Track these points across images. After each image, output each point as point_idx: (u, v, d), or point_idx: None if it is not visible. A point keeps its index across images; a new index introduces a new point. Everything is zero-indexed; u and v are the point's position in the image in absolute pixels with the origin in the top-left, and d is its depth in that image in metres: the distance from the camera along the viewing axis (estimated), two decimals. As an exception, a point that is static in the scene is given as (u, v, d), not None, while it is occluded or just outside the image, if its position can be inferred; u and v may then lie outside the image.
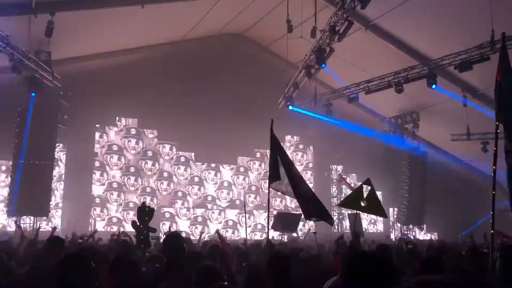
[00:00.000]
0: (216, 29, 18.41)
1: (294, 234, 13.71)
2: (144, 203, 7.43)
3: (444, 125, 18.84)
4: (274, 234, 13.14)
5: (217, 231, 7.89)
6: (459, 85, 15.87)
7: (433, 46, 15.03)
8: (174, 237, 4.07)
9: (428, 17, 13.80)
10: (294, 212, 15.14)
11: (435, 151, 21.42)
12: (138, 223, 6.70)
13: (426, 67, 14.83)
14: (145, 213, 6.81)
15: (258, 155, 20.62)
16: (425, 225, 20.93)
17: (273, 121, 6.63)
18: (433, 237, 20.17)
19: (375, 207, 6.94)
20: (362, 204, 6.75)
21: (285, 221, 11.70)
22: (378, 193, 22.04)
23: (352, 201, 6.58)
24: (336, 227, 20.21)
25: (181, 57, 17.49)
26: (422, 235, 21.06)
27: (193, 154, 19.18)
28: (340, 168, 21.52)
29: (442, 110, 17.86)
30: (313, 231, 7.64)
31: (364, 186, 7.02)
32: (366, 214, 19.56)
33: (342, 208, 17.84)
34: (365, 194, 6.87)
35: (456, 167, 21.93)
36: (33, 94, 13.58)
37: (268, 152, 20.31)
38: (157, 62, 17.16)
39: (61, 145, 16.29)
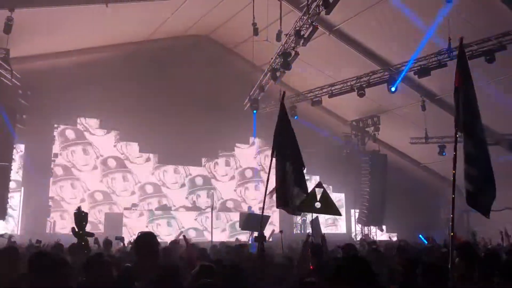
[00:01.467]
0: (182, 30, 18.30)
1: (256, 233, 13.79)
2: (79, 207, 7.28)
3: (403, 129, 19.43)
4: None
5: (181, 233, 7.92)
6: (418, 90, 16.42)
7: (394, 52, 15.51)
8: (147, 236, 4.05)
9: (389, 23, 14.23)
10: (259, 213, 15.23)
11: (395, 154, 22.05)
12: (76, 229, 6.56)
13: (387, 72, 15.30)
14: (81, 217, 6.68)
15: (222, 157, 20.63)
16: (384, 226, 21.51)
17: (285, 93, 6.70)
18: (392, 238, 20.72)
19: (329, 207, 7.13)
20: (317, 206, 6.93)
21: (252, 221, 11.78)
22: (340, 195, 22.70)
23: (306, 204, 6.73)
24: (298, 229, 20.49)
25: (145, 57, 17.29)
26: (382, 236, 21.60)
27: (156, 155, 18.96)
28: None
29: (401, 114, 18.44)
30: (281, 230, 7.74)
31: (317, 189, 7.22)
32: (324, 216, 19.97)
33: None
34: (318, 197, 7.05)
35: (415, 170, 22.67)
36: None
37: (233, 153, 20.59)
38: (121, 61, 16.86)
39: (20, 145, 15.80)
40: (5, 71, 13.61)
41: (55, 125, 17.26)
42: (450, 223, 4.13)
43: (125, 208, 17.99)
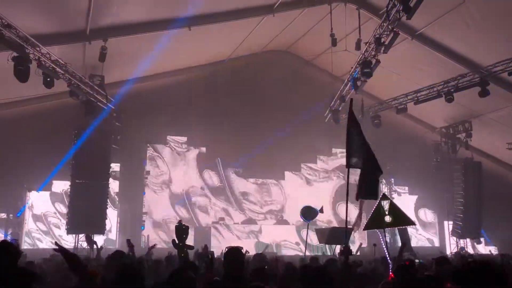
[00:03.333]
0: (260, 47, 18.69)
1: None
2: (180, 221, 7.57)
3: (499, 134, 18.10)
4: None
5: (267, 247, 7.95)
6: (513, 92, 15.26)
7: (483, 53, 14.57)
8: (233, 251, 4.15)
9: (476, 23, 13.40)
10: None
11: (490, 161, 20.56)
12: (177, 241, 6.83)
13: (477, 75, 14.38)
14: (182, 231, 6.94)
15: (304, 169, 20.56)
16: (483, 239, 20.01)
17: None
18: (492, 251, 19.22)
19: (401, 218, 6.78)
20: (387, 220, 6.61)
21: (336, 235, 11.63)
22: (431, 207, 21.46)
23: (374, 221, 6.44)
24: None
25: (226, 76, 17.91)
26: (481, 249, 20.12)
27: (241, 169, 19.36)
28: (391, 180, 21.00)
29: (496, 118, 17.20)
30: (374, 243, 7.47)
31: (383, 201, 6.89)
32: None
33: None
34: (386, 210, 6.73)
35: (514, 177, 20.94)
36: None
37: (315, 165, 20.43)
38: (204, 81, 17.71)
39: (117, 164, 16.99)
40: (101, 96, 14.75)
41: (147, 144, 18.34)
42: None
43: (213, 222, 18.52)
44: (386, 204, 6.86)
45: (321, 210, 15.22)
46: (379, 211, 6.74)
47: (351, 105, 5.80)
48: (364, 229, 7.40)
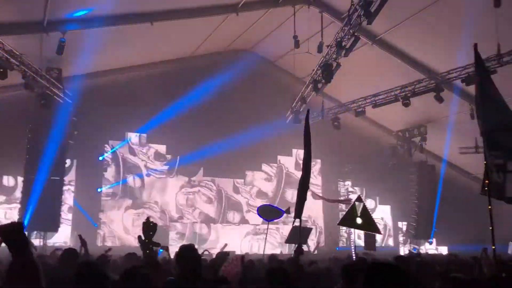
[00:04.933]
0: (224, 45, 18.65)
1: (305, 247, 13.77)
2: (149, 217, 7.46)
3: (452, 138, 18.79)
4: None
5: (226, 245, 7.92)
6: (466, 98, 15.88)
7: (439, 60, 15.12)
8: (188, 249, 4.04)
9: (434, 31, 13.91)
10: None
11: (443, 164, 21.33)
12: (143, 238, 6.73)
13: (433, 81, 14.90)
14: (149, 227, 6.85)
15: (265, 169, 20.67)
16: (435, 239, 20.75)
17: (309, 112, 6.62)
18: (443, 251, 19.96)
19: (369, 224, 6.98)
20: (358, 221, 6.79)
21: (296, 234, 11.76)
22: (387, 207, 22.21)
23: (348, 219, 6.60)
24: (345, 242, 20.13)
25: (189, 73, 17.73)
26: (434, 249, 20.85)
27: (201, 168, 19.23)
28: (348, 182, 21.45)
29: (450, 123, 17.86)
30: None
31: (357, 203, 7.08)
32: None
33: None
34: (358, 212, 6.91)
35: (466, 180, 21.80)
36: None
37: (275, 166, 20.59)
38: (166, 77, 17.42)
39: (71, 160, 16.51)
40: (58, 89, 14.30)
41: (105, 141, 17.89)
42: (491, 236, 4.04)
43: (171, 221, 18.32)
44: (359, 206, 7.02)
45: (288, 211, 15.32)
46: (352, 211, 6.88)
47: (307, 116, 6.02)
48: (338, 224, 7.54)
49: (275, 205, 15.87)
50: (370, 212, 7.42)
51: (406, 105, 15.34)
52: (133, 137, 18.45)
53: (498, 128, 4.65)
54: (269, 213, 13.37)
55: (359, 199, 7.27)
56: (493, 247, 4.19)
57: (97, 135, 17.02)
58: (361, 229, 7.69)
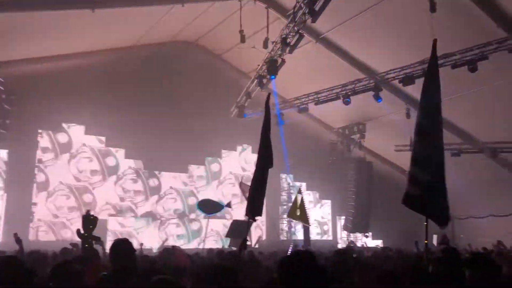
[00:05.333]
0: (169, 36, 18.32)
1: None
2: (88, 211, 7.26)
3: (388, 136, 19.61)
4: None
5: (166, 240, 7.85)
6: (403, 98, 16.60)
7: (379, 60, 15.71)
8: (122, 243, 3.85)
9: (375, 32, 14.41)
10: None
11: (380, 161, 22.23)
12: (82, 231, 6.55)
13: (372, 81, 15.46)
14: (89, 221, 6.66)
15: (209, 163, 20.58)
16: (371, 233, 21.62)
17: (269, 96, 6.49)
18: (379, 244, 20.83)
19: (304, 216, 7.17)
20: (297, 213, 6.97)
21: (237, 228, 11.82)
22: (327, 202, 22.80)
23: (292, 212, 6.76)
24: (286, 235, 20.48)
25: (132, 63, 17.25)
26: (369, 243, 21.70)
27: (141, 162, 18.81)
28: (290, 176, 21.82)
29: (386, 121, 18.63)
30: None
31: (298, 195, 7.27)
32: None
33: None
34: (298, 204, 7.10)
35: (400, 177, 22.82)
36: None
37: (219, 159, 20.55)
38: (107, 67, 16.80)
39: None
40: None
41: (39, 131, 17.03)
42: (425, 231, 4.26)
43: (110, 215, 17.81)
44: (299, 198, 7.16)
45: (229, 205, 15.37)
46: (295, 202, 7.00)
47: (268, 101, 5.93)
48: (287, 216, 7.62)
49: (215, 200, 15.87)
50: (306, 205, 7.60)
51: (346, 103, 15.82)
52: (70, 127, 17.70)
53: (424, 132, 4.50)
54: (209, 207, 13.39)
55: (299, 191, 7.44)
56: (426, 242, 4.42)
57: (31, 125, 16.20)
58: (299, 221, 7.88)
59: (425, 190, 4.26)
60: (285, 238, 20.01)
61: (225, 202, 15.92)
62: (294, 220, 8.55)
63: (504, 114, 15.59)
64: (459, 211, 20.35)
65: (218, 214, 16.96)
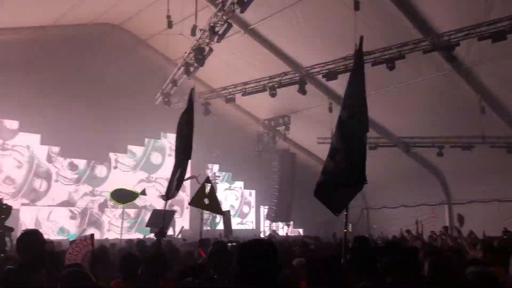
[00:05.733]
0: (92, 17, 17.40)
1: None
2: (1, 199, 6.78)
3: (311, 129, 20.20)
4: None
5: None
6: (326, 93, 17.15)
7: (305, 54, 16.07)
8: (30, 234, 3.65)
9: (302, 27, 14.71)
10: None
11: (303, 153, 22.87)
12: None
13: (297, 74, 15.81)
14: (1, 210, 6.24)
15: (132, 151, 20.02)
16: (292, 222, 22.26)
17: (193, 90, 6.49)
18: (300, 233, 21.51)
19: (215, 205, 7.20)
20: (206, 202, 6.97)
21: (158, 217, 11.61)
22: (252, 191, 23.09)
23: (197, 200, 6.74)
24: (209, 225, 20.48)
25: (51, 43, 16.23)
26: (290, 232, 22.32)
27: (58, 148, 17.85)
28: (216, 167, 21.82)
29: (310, 115, 19.17)
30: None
31: (206, 184, 7.28)
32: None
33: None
34: (207, 193, 7.09)
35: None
36: None
37: (141, 148, 20.05)
38: (23, 46, 15.66)
39: None
40: None
41: None
42: (344, 220, 4.44)
43: (23, 204, 16.76)
44: (207, 187, 7.10)
45: (143, 193, 15.05)
46: (201, 191, 6.94)
47: (191, 94, 5.96)
48: (189, 204, 7.55)
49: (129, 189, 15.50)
50: (215, 194, 7.62)
51: (272, 95, 16.04)
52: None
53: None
54: (123, 196, 13.03)
55: (207, 180, 7.43)
56: (345, 231, 4.62)
57: None
58: (209, 210, 7.90)
59: (329, 180, 4.41)
60: (208, 228, 20.01)
61: (139, 190, 15.60)
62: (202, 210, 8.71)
63: (418, 112, 16.66)
64: (374, 202, 21.58)
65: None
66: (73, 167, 18.25)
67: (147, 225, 12.00)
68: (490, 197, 17.97)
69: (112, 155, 19.33)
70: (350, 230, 13.18)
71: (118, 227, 16.36)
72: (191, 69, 14.89)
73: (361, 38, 5.16)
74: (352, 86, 4.64)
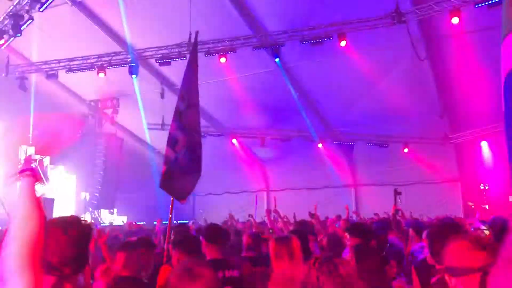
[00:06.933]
0: None
1: None
2: None
3: (141, 114, 19.73)
4: None
5: None
6: (158, 78, 16.93)
7: (139, 36, 15.56)
8: None
9: (137, 8, 14.19)
10: None
11: (132, 138, 22.23)
12: None
13: (129, 56, 15.26)
14: None
15: None
16: (116, 209, 21.50)
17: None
18: (124, 221, 20.87)
19: None
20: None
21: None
22: (73, 177, 21.64)
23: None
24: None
25: None
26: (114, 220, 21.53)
27: None
28: (32, 149, 19.72)
29: (141, 99, 18.72)
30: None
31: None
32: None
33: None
34: None
35: (151, 155, 23.35)
36: None
37: None
38: None
39: None
40: None
41: None
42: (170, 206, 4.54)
43: None
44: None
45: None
46: None
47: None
48: None
49: None
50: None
51: (101, 75, 15.23)
52: None
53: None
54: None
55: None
56: (170, 216, 4.72)
57: None
58: None
59: (172, 169, 4.55)
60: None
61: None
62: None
63: (246, 104, 17.64)
64: (200, 189, 22.21)
65: None
66: None
67: None
68: (301, 186, 20.24)
69: None
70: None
71: None
72: (5, 37, 13.17)
73: (197, 33, 5.45)
74: (188, 79, 4.86)
